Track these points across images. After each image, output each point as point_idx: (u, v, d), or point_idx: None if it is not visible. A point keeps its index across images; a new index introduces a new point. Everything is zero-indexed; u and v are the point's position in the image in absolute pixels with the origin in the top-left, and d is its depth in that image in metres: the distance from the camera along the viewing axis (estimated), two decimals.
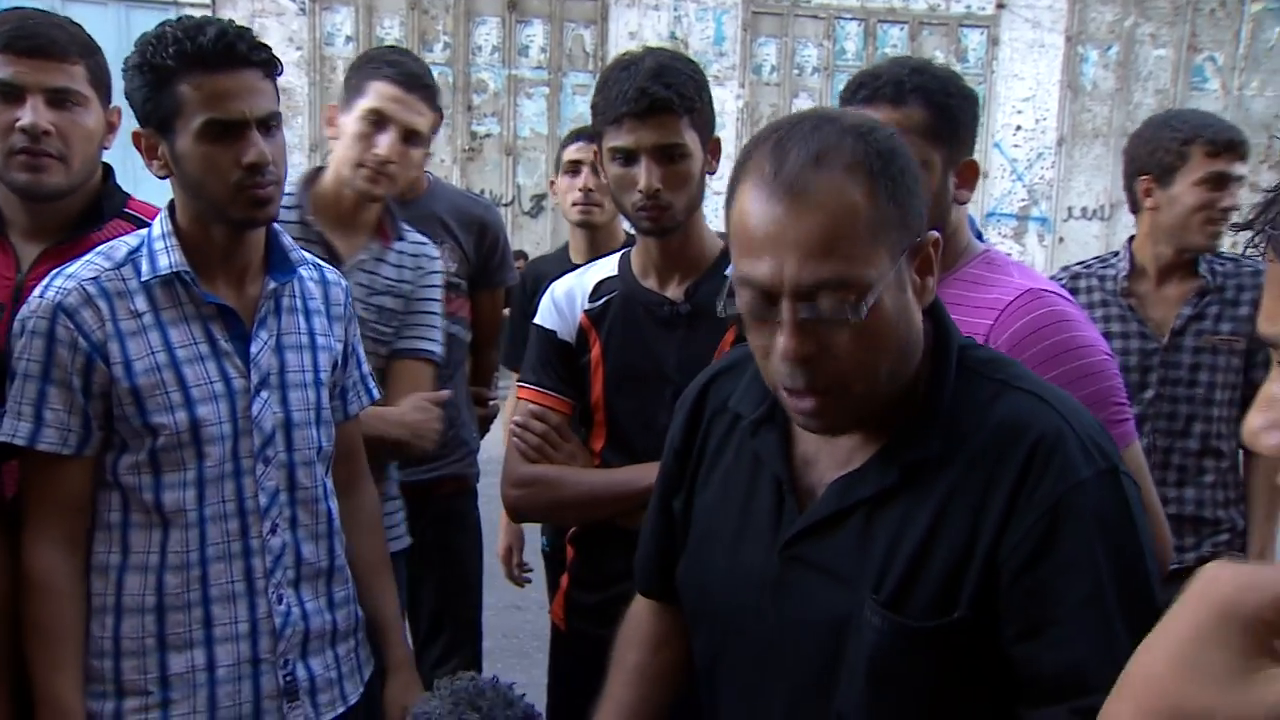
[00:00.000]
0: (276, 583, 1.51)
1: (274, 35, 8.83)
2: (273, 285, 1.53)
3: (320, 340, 1.60)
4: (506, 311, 2.84)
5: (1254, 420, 0.58)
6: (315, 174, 2.11)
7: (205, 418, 1.44)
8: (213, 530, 1.46)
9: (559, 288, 1.77)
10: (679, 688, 1.30)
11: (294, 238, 1.90)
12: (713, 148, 1.68)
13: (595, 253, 2.47)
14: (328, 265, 1.71)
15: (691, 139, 1.61)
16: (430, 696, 1.06)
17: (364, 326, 1.96)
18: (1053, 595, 0.95)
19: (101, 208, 1.74)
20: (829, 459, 1.08)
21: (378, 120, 1.99)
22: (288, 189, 2.04)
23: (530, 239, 9.77)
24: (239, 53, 1.40)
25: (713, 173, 1.70)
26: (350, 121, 2.02)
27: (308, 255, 1.65)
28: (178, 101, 1.40)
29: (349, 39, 9.26)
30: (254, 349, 1.50)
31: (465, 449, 2.48)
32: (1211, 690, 0.50)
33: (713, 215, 1.78)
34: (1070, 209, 10.41)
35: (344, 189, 2.03)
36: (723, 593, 1.14)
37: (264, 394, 1.50)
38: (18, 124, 1.60)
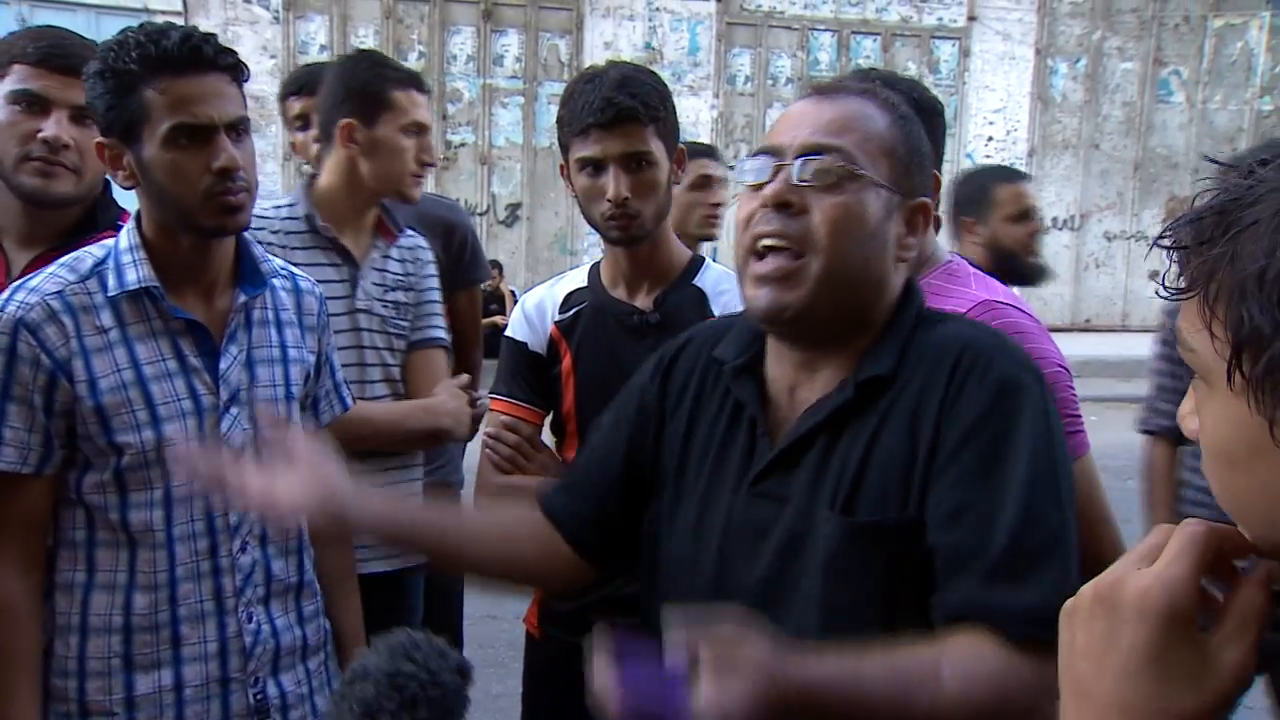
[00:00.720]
0: (246, 600, 1.48)
1: (247, 44, 8.79)
2: (243, 298, 1.50)
3: (292, 353, 1.57)
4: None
5: (1184, 405, 0.64)
6: (312, 180, 2.12)
7: (173, 436, 1.41)
8: (181, 549, 1.43)
9: (530, 299, 1.79)
10: (524, 566, 1.31)
11: (306, 245, 1.85)
12: (678, 157, 1.70)
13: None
14: (301, 273, 1.68)
15: (657, 147, 1.63)
16: (367, 651, 1.06)
17: (384, 323, 2.03)
18: (975, 479, 1.01)
19: (96, 219, 1.74)
20: (802, 402, 1.13)
21: (419, 129, 2.07)
22: (288, 199, 2.08)
23: (505, 248, 9.74)
24: (205, 56, 1.37)
25: (678, 182, 1.72)
26: (387, 135, 2.03)
27: (279, 263, 1.63)
28: (143, 108, 1.36)
29: (323, 47, 9.21)
30: (223, 365, 1.47)
31: (447, 455, 2.48)
32: (1190, 686, 0.58)
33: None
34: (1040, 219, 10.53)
35: (367, 194, 2.06)
36: (691, 543, 1.16)
37: (233, 410, 1.47)
38: (40, 134, 1.66)
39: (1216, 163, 0.64)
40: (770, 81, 10.14)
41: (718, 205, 2.90)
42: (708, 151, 2.98)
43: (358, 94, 2.04)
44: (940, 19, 10.28)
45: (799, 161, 1.07)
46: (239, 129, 1.41)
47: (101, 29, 8.38)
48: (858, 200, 1.07)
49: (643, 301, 1.71)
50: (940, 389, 1.05)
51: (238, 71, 1.42)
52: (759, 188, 1.09)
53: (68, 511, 1.43)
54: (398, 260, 2.10)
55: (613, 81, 1.60)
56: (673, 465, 1.22)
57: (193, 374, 1.45)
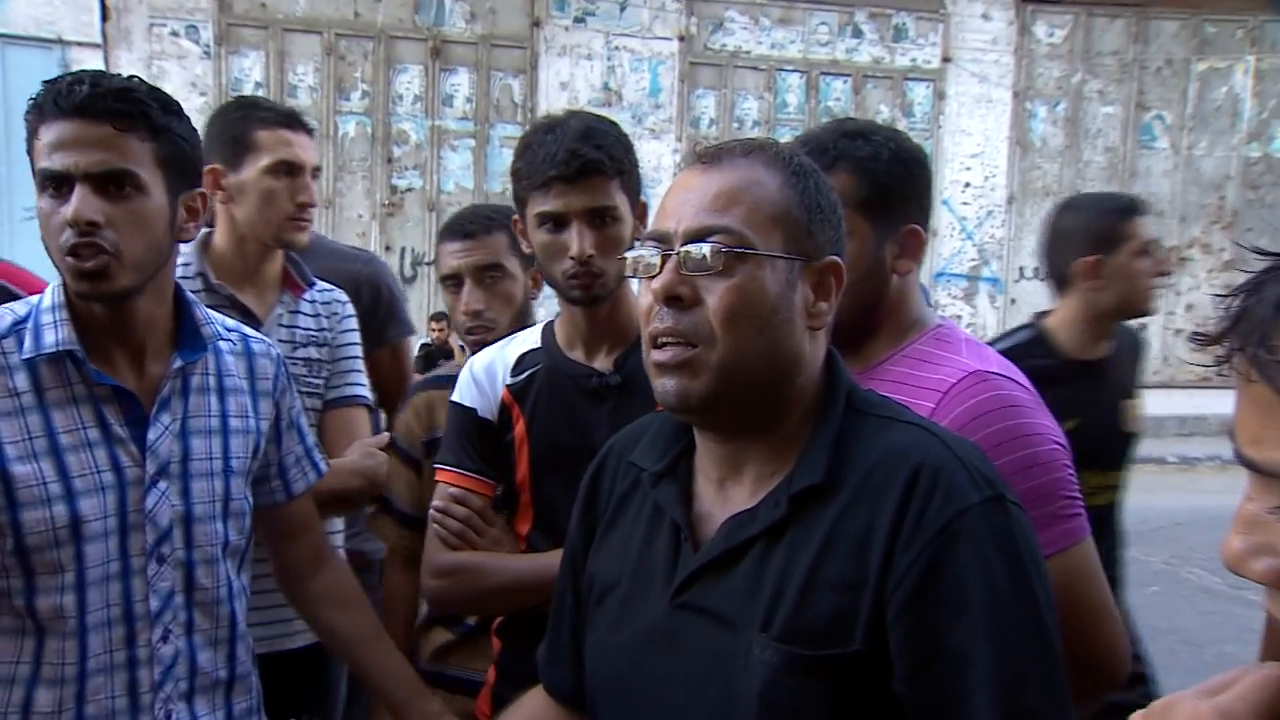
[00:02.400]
0: (165, 696, 1.42)
1: (175, 80, 8.66)
2: (179, 364, 1.46)
3: (234, 423, 1.53)
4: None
5: (1235, 544, 0.60)
6: (208, 237, 2.13)
7: (87, 513, 1.36)
8: (95, 639, 1.37)
9: (478, 362, 1.77)
10: None
11: (203, 305, 1.76)
12: (640, 212, 1.70)
13: None
14: (255, 334, 1.65)
15: (622, 202, 1.63)
16: None
17: (296, 381, 1.95)
18: (938, 631, 0.98)
19: None
20: (727, 509, 1.11)
21: (289, 169, 2.07)
22: (183, 258, 2.02)
23: None
24: (84, 101, 1.32)
25: (639, 238, 1.66)
26: (253, 179, 2.05)
27: (231, 324, 1.61)
28: (34, 152, 1.36)
29: (259, 84, 9.13)
30: (152, 435, 1.43)
31: (364, 522, 2.42)
32: None
33: None
34: (1022, 269, 10.60)
35: (254, 245, 2.08)
36: (612, 658, 1.17)
37: (161, 485, 1.43)
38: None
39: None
40: (736, 124, 10.20)
41: None
42: None
43: (220, 138, 2.08)
44: (914, 60, 10.41)
45: (684, 249, 1.06)
46: (114, 181, 1.34)
47: (8, 60, 8.19)
48: (752, 280, 1.06)
49: (602, 363, 1.71)
50: (889, 516, 1.01)
51: (133, 121, 1.36)
52: (650, 277, 1.09)
53: None
54: (309, 315, 2.11)
55: (575, 132, 1.60)
56: (602, 585, 1.22)
57: (116, 444, 1.41)
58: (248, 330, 1.64)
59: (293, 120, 2.11)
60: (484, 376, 1.74)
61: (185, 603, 1.45)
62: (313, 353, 2.09)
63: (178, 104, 1.44)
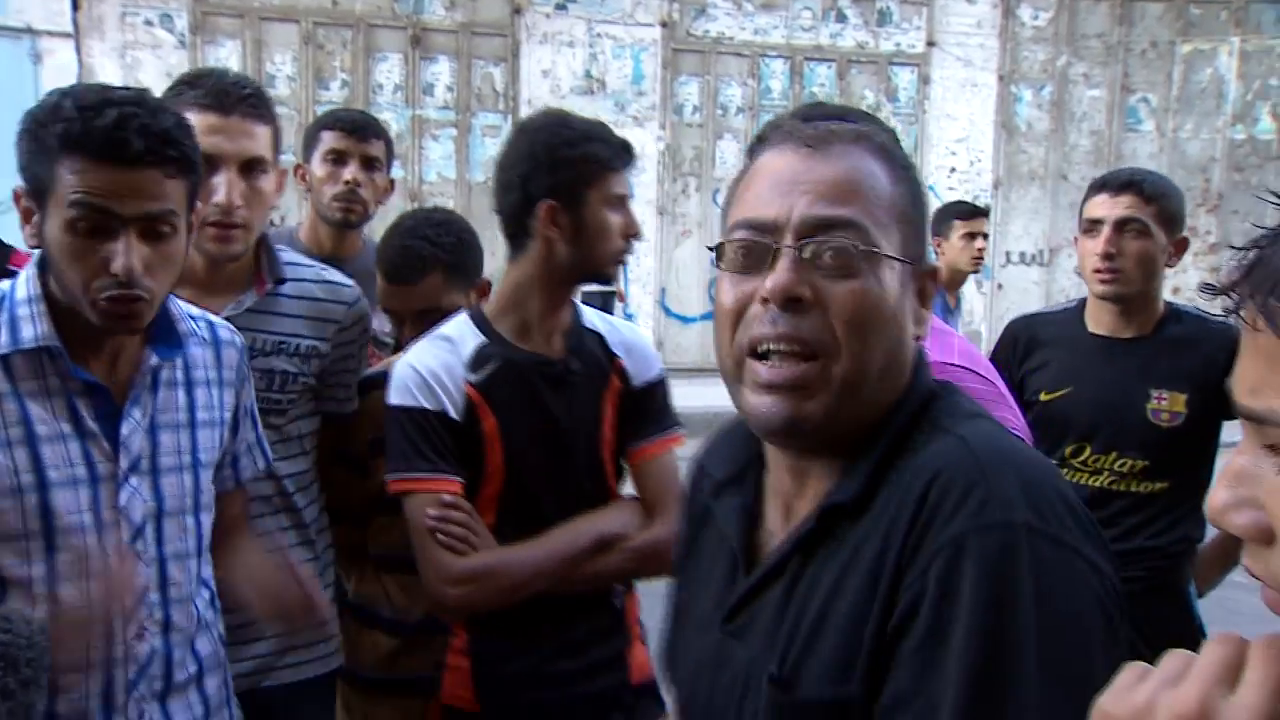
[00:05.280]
0: (139, 696, 1.41)
1: (150, 70, 8.58)
2: (154, 360, 1.46)
3: (202, 415, 1.53)
4: None
5: (1220, 497, 0.59)
6: None
7: (62, 506, 1.35)
8: None
9: (420, 365, 1.74)
10: None
11: None
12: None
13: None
14: (221, 321, 1.63)
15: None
16: None
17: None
18: (913, 670, 0.84)
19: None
20: (794, 517, 1.01)
21: (205, 161, 1.82)
22: None
23: None
24: (135, 154, 1.31)
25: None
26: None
27: (197, 312, 1.59)
28: (44, 169, 1.33)
29: None
30: (124, 431, 1.42)
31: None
32: None
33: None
34: (1009, 254, 10.60)
35: (192, 252, 1.87)
36: (678, 685, 1.12)
37: (134, 481, 1.42)
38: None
39: None
40: (720, 111, 10.16)
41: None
42: None
43: None
44: (898, 44, 10.41)
45: (804, 243, 0.94)
46: (155, 225, 1.35)
47: None
48: (877, 283, 0.94)
49: (550, 350, 1.79)
50: (902, 531, 0.88)
51: (177, 167, 1.36)
52: (747, 271, 0.96)
53: None
54: (288, 315, 2.00)
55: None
56: (678, 605, 1.17)
57: (89, 440, 1.40)
58: (213, 317, 1.62)
59: (225, 100, 1.79)
60: (441, 376, 1.72)
61: (161, 600, 1.44)
62: (278, 364, 1.88)
63: (192, 128, 1.43)
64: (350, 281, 2.03)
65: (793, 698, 0.91)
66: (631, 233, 1.78)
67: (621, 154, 1.78)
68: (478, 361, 1.74)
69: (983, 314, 10.49)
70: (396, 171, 10.20)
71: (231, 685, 1.62)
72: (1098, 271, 2.37)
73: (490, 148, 9.54)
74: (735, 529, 1.05)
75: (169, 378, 1.50)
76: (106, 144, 1.29)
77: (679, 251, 10.11)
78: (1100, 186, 2.47)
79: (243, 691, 1.71)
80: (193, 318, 1.57)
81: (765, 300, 0.94)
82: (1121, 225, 2.36)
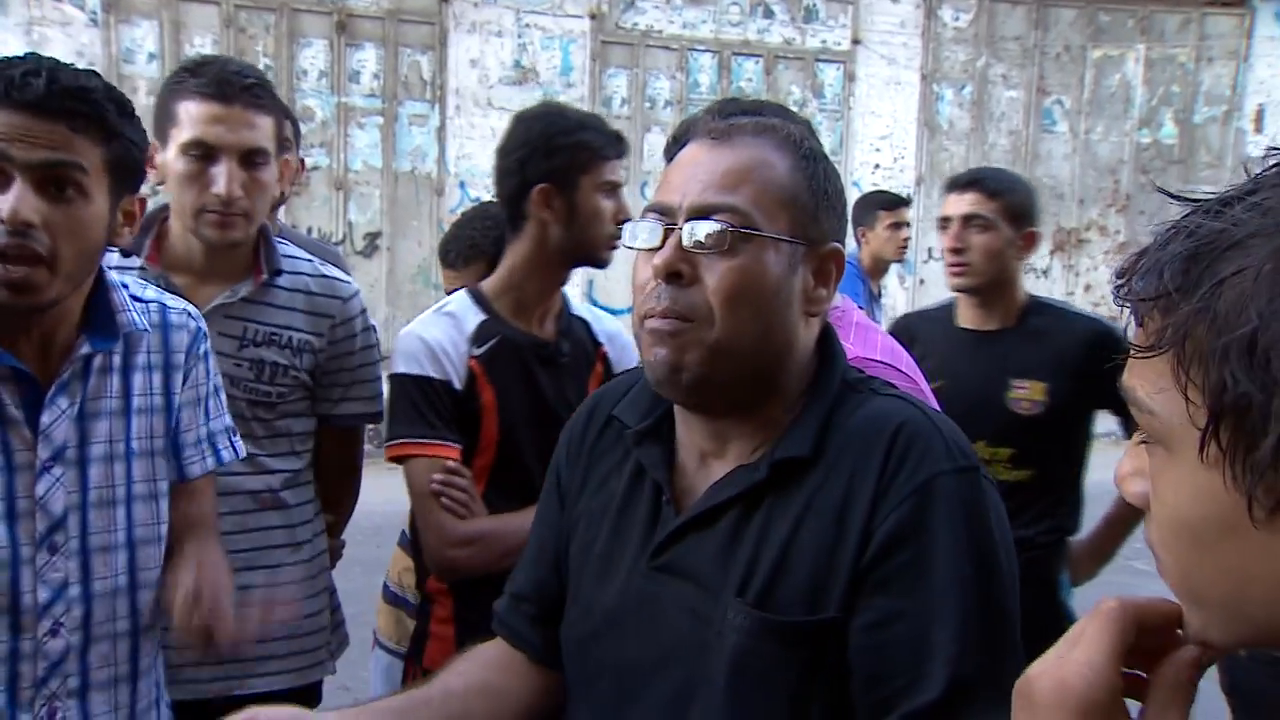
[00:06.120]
0: (50, 693, 1.36)
1: (58, 49, 8.27)
2: (86, 349, 1.40)
3: (138, 401, 1.47)
4: None
5: (1124, 465, 0.65)
6: (160, 217, 1.92)
7: None
8: None
9: (426, 334, 1.83)
10: None
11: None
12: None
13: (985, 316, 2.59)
14: (176, 303, 1.57)
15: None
16: None
17: (236, 386, 1.84)
18: (898, 592, 0.99)
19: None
20: (711, 472, 1.12)
21: (204, 152, 1.81)
22: None
23: (364, 280, 9.41)
24: (38, 98, 1.25)
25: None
26: (172, 159, 1.83)
27: (152, 294, 1.53)
28: None
29: (152, 56, 8.80)
30: (46, 419, 1.37)
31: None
32: None
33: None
34: (930, 249, 10.85)
35: (190, 239, 1.87)
36: (586, 616, 1.16)
37: (56, 470, 1.38)
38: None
39: (1180, 199, 0.62)
40: (648, 104, 10.20)
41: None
42: None
43: (156, 109, 1.91)
44: (824, 41, 10.56)
45: (689, 226, 1.05)
46: (56, 181, 1.28)
47: None
48: (755, 262, 1.06)
49: (543, 332, 1.89)
50: (873, 477, 1.03)
51: (88, 122, 1.29)
52: (649, 250, 1.08)
53: None
54: (279, 307, 1.97)
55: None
56: (580, 539, 1.22)
57: (8, 427, 1.35)
58: (168, 299, 1.56)
59: (227, 90, 1.80)
60: (445, 346, 1.82)
61: (82, 595, 1.39)
62: (268, 355, 1.86)
63: (131, 105, 1.38)
64: (349, 278, 2.02)
65: (769, 618, 1.01)
66: (624, 218, 1.83)
67: (614, 143, 1.88)
68: (480, 337, 1.83)
69: (905, 308, 10.72)
70: (321, 159, 9.93)
71: (164, 685, 1.56)
72: (949, 265, 2.52)
73: (417, 136, 9.44)
74: (664, 473, 1.14)
75: (103, 364, 1.44)
76: (9, 87, 1.25)
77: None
78: (950, 186, 2.61)
79: (215, 697, 1.68)
80: (144, 300, 1.51)
81: (655, 276, 1.07)
82: (967, 221, 2.49)
